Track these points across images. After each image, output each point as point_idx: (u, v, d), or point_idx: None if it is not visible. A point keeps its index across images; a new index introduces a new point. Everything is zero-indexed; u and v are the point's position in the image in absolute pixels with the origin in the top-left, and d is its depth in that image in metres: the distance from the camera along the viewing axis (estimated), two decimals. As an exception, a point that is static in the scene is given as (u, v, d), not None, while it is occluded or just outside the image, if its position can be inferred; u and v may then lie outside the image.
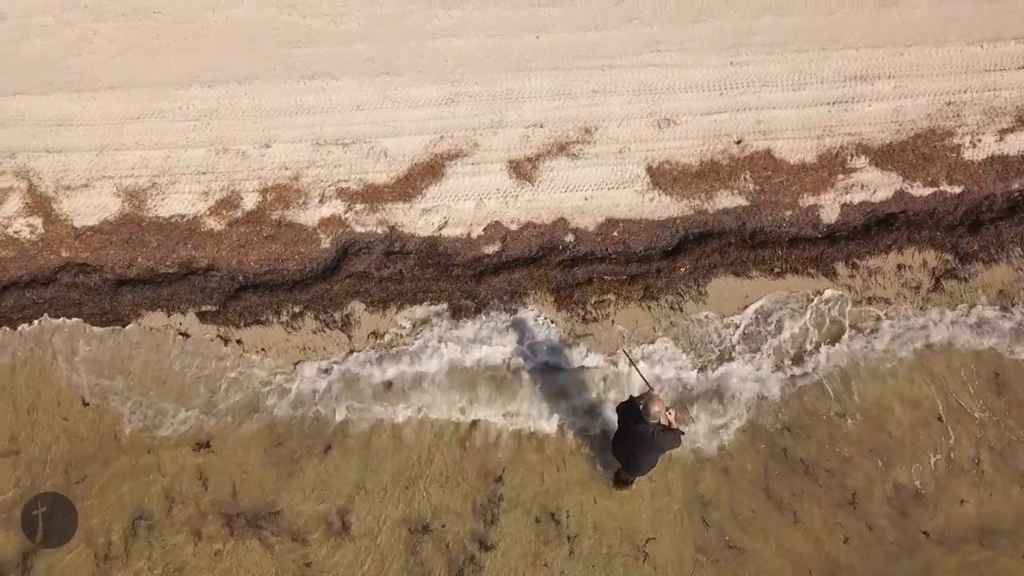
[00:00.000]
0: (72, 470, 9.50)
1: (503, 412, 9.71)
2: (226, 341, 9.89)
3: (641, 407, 8.16)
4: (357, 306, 10.00)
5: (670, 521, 9.35)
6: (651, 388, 8.65)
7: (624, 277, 10.03)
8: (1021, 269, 10.12)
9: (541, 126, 10.56)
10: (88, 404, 9.71)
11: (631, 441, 8.44)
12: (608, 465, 9.43)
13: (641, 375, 8.97)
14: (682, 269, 10.02)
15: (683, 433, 8.49)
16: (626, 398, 8.88)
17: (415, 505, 9.38)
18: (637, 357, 9.69)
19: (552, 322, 9.95)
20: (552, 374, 9.81)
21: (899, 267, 10.12)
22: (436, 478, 9.46)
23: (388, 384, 9.79)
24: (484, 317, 9.94)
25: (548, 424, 9.65)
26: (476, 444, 9.60)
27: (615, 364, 9.81)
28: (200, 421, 9.67)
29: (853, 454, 9.53)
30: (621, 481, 9.38)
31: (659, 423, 8.15)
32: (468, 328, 9.93)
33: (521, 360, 9.87)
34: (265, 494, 9.40)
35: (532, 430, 9.64)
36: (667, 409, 8.29)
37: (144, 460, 9.54)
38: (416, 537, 9.25)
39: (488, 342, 9.90)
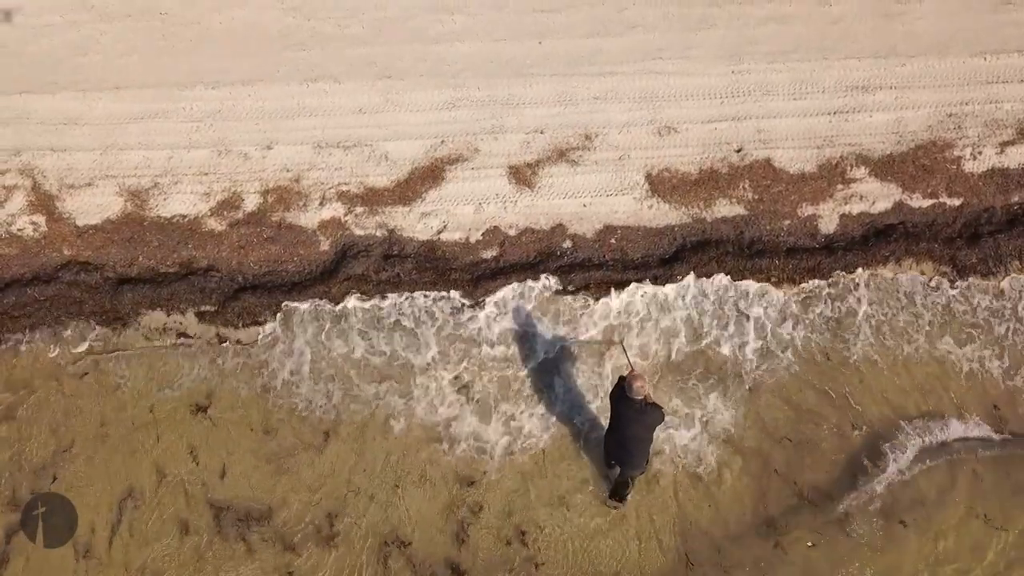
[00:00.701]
0: (63, 433, 9.64)
1: (492, 415, 9.74)
2: (223, 341, 9.98)
3: (626, 385, 8.63)
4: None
5: (649, 557, 9.25)
6: (633, 369, 9.05)
7: (621, 284, 10.06)
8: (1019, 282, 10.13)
9: (542, 132, 10.60)
10: (86, 374, 9.85)
11: (622, 422, 8.76)
12: (606, 479, 9.47)
13: (629, 361, 9.33)
14: (679, 277, 10.04)
15: (661, 407, 8.80)
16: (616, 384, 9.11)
17: (391, 512, 9.38)
18: (629, 344, 9.82)
19: (552, 290, 10.05)
20: (546, 376, 9.85)
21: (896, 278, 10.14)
22: (415, 481, 9.48)
23: (376, 372, 9.87)
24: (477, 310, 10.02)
25: (538, 430, 9.66)
26: (461, 446, 9.62)
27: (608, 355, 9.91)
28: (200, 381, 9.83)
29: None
30: (617, 490, 9.43)
31: (643, 399, 8.61)
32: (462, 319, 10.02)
33: (516, 358, 9.92)
34: (252, 488, 9.47)
35: (521, 437, 9.65)
36: (646, 384, 8.71)
37: (140, 421, 9.65)
38: (389, 550, 9.24)
39: (482, 335, 9.98)
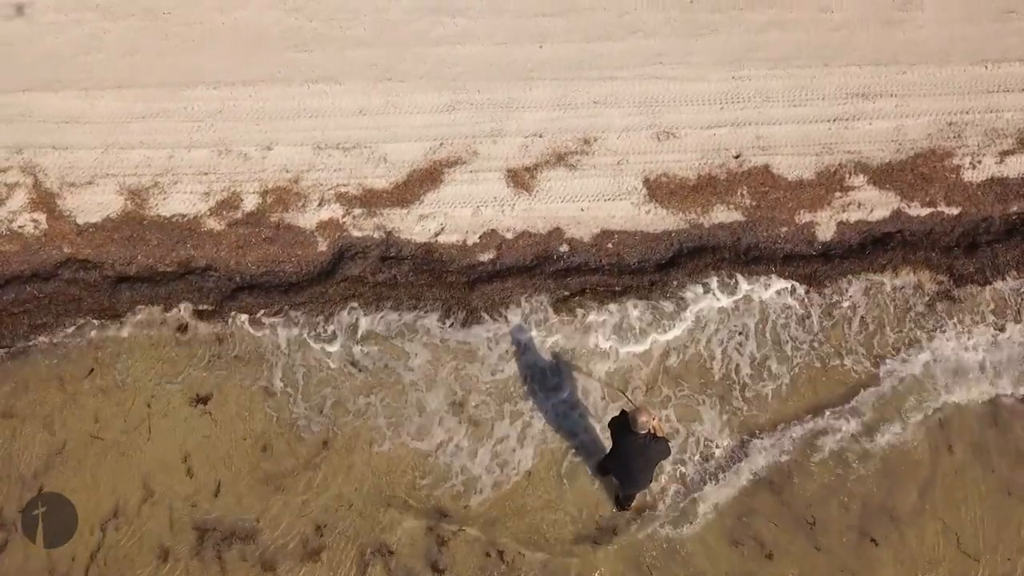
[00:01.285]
0: (58, 432, 9.70)
1: (483, 436, 9.72)
2: (220, 340, 10.03)
3: (630, 419, 8.37)
4: (351, 309, 10.12)
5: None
6: (637, 405, 8.85)
7: (617, 289, 10.08)
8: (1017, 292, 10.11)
9: (540, 136, 10.62)
10: (93, 371, 9.93)
11: (624, 453, 8.61)
12: (607, 489, 9.50)
13: (629, 400, 9.27)
14: (675, 282, 10.06)
15: (669, 442, 8.64)
16: (617, 413, 8.98)
17: (375, 525, 9.40)
18: (625, 387, 9.78)
19: (545, 328, 10.01)
20: (540, 401, 9.83)
21: (893, 287, 10.12)
22: (401, 497, 9.50)
23: (366, 387, 9.88)
24: (474, 326, 10.02)
25: (528, 454, 9.64)
26: (449, 464, 9.63)
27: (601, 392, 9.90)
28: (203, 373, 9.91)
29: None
30: (620, 501, 9.45)
31: (648, 432, 8.36)
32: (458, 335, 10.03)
33: (510, 379, 9.91)
34: (241, 503, 9.53)
35: (511, 460, 9.63)
36: (654, 419, 8.44)
37: (136, 416, 9.72)
38: (371, 559, 9.27)
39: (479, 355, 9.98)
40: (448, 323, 9.99)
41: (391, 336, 10.00)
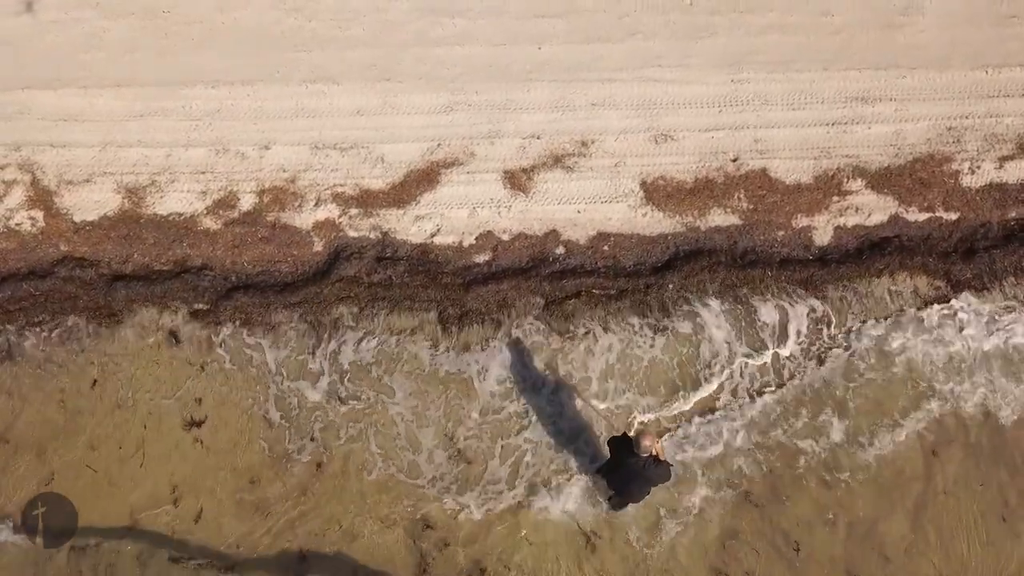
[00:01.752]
0: (50, 456, 9.73)
1: (472, 462, 9.73)
2: (212, 347, 10.07)
3: (633, 440, 8.36)
4: (345, 310, 10.12)
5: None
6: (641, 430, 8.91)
7: (612, 292, 10.07)
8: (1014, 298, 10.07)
9: (538, 137, 10.61)
10: (96, 382, 9.97)
11: (624, 473, 8.62)
12: (601, 494, 9.53)
13: (629, 432, 9.19)
14: (670, 286, 10.04)
15: (672, 466, 8.64)
16: (619, 433, 8.97)
17: (356, 549, 9.43)
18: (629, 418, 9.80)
19: (541, 356, 10.01)
20: (535, 427, 9.82)
21: (890, 292, 10.08)
22: (386, 523, 9.53)
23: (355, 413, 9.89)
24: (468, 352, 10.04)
25: (519, 486, 9.64)
26: (438, 490, 9.65)
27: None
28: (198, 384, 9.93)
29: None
30: (614, 504, 9.46)
31: (650, 456, 8.35)
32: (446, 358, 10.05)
33: (504, 403, 9.92)
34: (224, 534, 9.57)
35: (499, 487, 9.64)
36: (657, 443, 8.41)
37: (131, 438, 9.75)
38: None
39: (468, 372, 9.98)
40: (440, 349, 10.01)
41: (381, 362, 10.02)
